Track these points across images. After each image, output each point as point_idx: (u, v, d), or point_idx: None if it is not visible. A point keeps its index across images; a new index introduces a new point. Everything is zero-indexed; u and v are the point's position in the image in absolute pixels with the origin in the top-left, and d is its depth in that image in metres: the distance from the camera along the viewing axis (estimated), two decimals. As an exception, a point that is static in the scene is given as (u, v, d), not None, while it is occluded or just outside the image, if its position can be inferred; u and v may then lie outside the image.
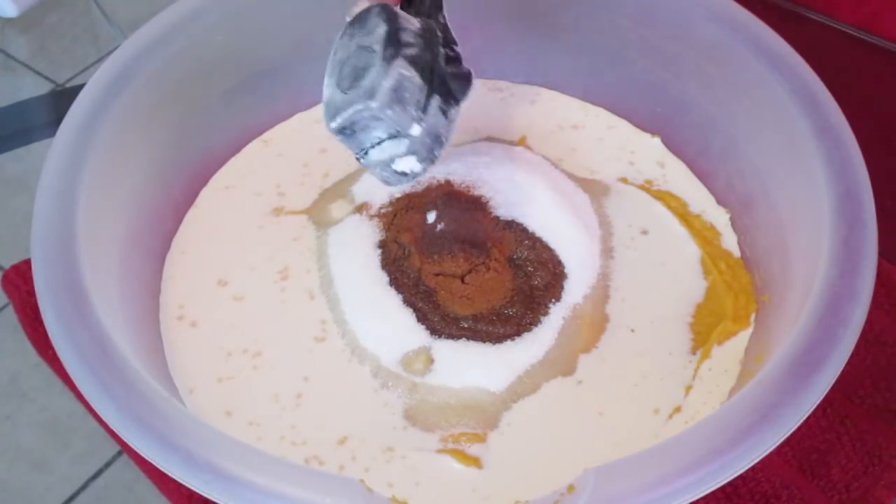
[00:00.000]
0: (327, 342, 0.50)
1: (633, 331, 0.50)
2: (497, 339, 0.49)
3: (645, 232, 0.55)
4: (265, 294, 0.52)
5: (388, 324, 0.49)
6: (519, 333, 0.49)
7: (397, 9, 0.43)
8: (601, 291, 0.52)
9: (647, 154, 0.59)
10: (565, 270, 0.51)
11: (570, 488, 0.37)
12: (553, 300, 0.50)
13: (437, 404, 0.47)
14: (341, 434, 0.47)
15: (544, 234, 0.52)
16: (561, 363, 0.49)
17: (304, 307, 0.51)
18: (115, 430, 0.38)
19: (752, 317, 0.51)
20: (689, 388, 0.48)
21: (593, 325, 0.50)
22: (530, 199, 0.53)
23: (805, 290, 0.42)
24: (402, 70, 0.41)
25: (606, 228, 0.55)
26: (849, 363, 0.39)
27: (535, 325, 0.49)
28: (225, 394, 0.48)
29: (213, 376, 0.49)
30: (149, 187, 0.52)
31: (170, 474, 0.36)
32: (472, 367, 0.48)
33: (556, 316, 0.50)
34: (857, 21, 0.58)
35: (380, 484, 0.45)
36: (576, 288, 0.51)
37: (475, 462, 0.45)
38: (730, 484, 0.36)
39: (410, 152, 0.43)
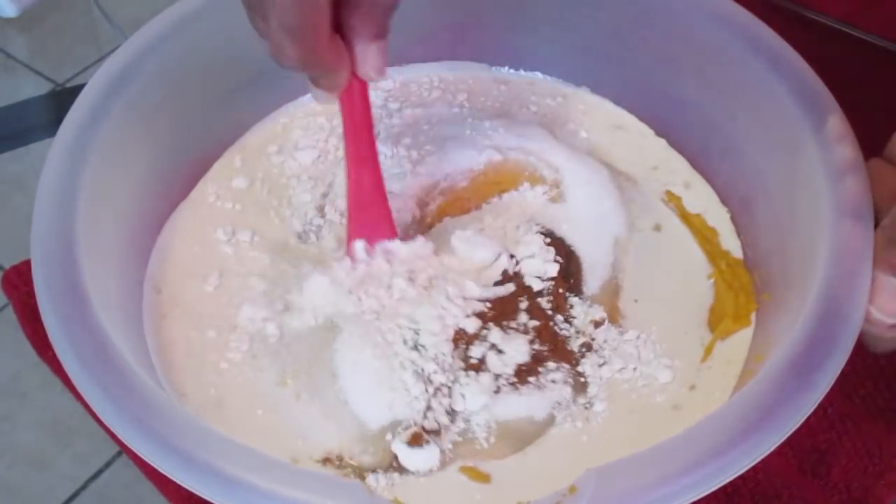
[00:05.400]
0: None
1: (635, 330, 0.50)
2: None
3: (657, 228, 0.54)
4: (261, 300, 0.51)
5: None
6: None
7: None
8: (610, 291, 0.51)
9: (648, 153, 0.59)
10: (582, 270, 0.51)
11: (572, 489, 0.37)
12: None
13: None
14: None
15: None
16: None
17: (299, 310, 0.51)
18: (114, 431, 0.38)
19: (753, 316, 0.50)
20: (689, 388, 0.48)
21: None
22: None
23: (805, 290, 0.42)
24: None
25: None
26: (849, 363, 0.39)
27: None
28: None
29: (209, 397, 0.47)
30: (149, 187, 0.52)
31: (169, 476, 0.36)
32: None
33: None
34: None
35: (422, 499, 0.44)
36: (591, 283, 0.51)
37: (485, 478, 0.44)
38: (730, 484, 0.36)
39: None
